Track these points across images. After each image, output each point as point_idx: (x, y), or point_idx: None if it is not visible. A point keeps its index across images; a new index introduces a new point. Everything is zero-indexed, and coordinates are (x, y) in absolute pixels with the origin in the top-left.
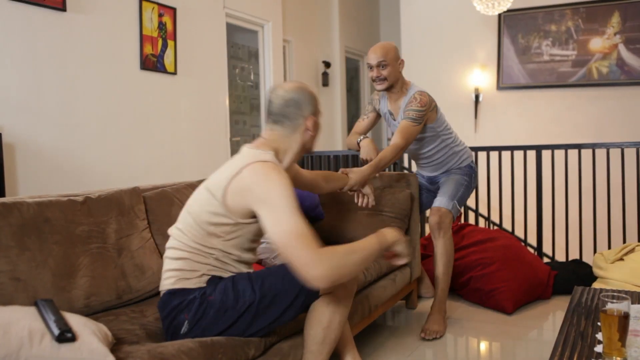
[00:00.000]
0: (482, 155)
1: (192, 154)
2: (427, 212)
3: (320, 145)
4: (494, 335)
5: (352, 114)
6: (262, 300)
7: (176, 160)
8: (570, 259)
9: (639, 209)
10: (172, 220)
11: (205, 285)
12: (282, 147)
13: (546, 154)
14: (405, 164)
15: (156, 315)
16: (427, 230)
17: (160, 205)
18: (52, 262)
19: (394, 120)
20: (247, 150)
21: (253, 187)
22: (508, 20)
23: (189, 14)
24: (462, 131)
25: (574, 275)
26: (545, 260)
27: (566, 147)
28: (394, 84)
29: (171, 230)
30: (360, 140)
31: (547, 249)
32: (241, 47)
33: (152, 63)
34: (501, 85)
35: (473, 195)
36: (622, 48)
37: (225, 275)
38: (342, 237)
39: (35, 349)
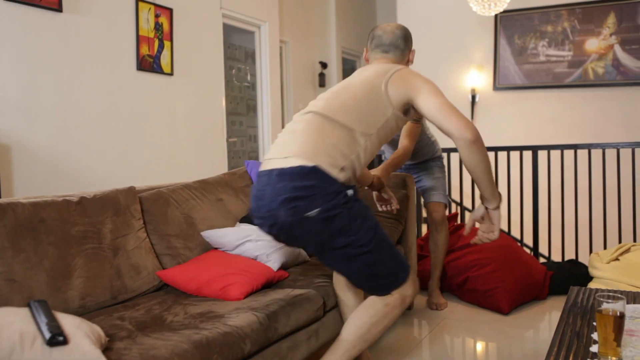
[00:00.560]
0: None
1: (189, 154)
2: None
3: None
4: (491, 336)
5: None
6: (374, 250)
7: (173, 161)
8: (566, 259)
9: (635, 209)
10: (168, 220)
11: (343, 184)
12: None
13: (542, 155)
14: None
15: (147, 307)
16: (424, 230)
17: (156, 206)
18: (47, 263)
19: None
20: (383, 64)
21: (410, 77)
22: (504, 21)
23: (185, 15)
24: None
25: (570, 276)
26: (542, 260)
27: (562, 147)
28: None
29: (314, 111)
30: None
31: (543, 249)
32: (238, 48)
33: (148, 64)
34: (497, 86)
35: (469, 195)
36: (617, 49)
37: (353, 180)
38: None
39: (27, 353)
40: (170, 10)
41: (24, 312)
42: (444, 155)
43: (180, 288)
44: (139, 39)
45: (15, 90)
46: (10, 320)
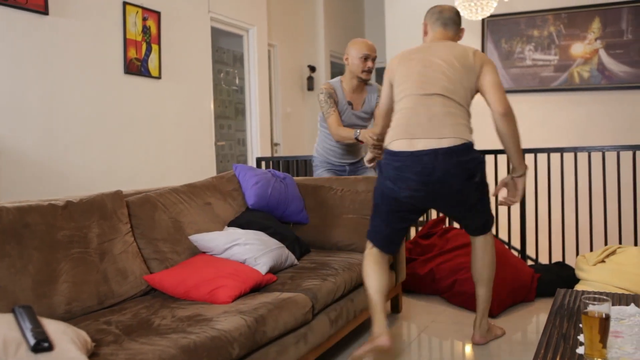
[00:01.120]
0: None
1: (177, 158)
2: None
3: (306, 150)
4: None
5: None
6: (488, 201)
7: (161, 165)
8: (553, 261)
9: (620, 212)
10: (155, 224)
11: (479, 153)
12: None
13: (529, 158)
14: None
15: (134, 311)
16: (413, 233)
17: (144, 210)
18: (32, 268)
19: (352, 109)
20: (451, 44)
21: (486, 59)
22: (491, 26)
23: (173, 18)
24: None
25: (557, 278)
26: (529, 262)
27: (548, 150)
28: None
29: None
30: (359, 134)
31: (530, 251)
32: (226, 52)
33: (136, 67)
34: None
35: None
36: (602, 53)
37: None
38: (327, 241)
39: None
40: (158, 14)
41: (8, 318)
42: None
43: (167, 292)
44: (126, 42)
45: (1, 94)
46: None
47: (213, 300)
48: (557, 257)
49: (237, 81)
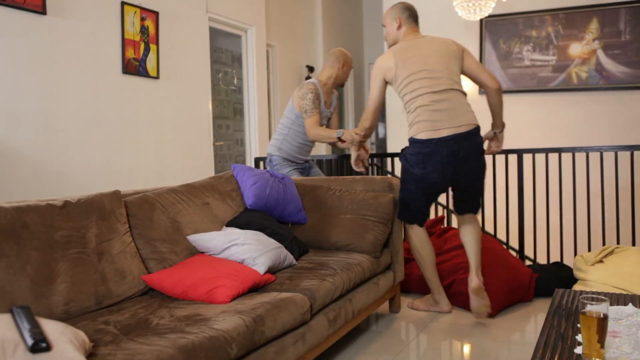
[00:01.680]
0: None
1: (176, 158)
2: None
3: None
4: (477, 338)
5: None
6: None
7: (159, 165)
8: (551, 261)
9: (618, 212)
10: (154, 224)
11: None
12: None
13: (527, 158)
14: (389, 169)
15: (132, 311)
16: None
17: (142, 210)
18: (30, 268)
19: (327, 108)
20: (435, 37)
21: (462, 46)
22: (489, 26)
23: (171, 18)
24: None
25: (555, 278)
26: (527, 263)
27: (547, 151)
28: None
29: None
30: (342, 134)
31: (528, 251)
32: (224, 52)
33: (134, 67)
34: (483, 90)
35: None
36: (600, 54)
37: None
38: (325, 242)
39: None
40: (156, 14)
41: (6, 318)
42: None
43: (166, 292)
44: (124, 42)
45: None
46: None
47: (211, 300)
48: (555, 257)
49: (235, 81)
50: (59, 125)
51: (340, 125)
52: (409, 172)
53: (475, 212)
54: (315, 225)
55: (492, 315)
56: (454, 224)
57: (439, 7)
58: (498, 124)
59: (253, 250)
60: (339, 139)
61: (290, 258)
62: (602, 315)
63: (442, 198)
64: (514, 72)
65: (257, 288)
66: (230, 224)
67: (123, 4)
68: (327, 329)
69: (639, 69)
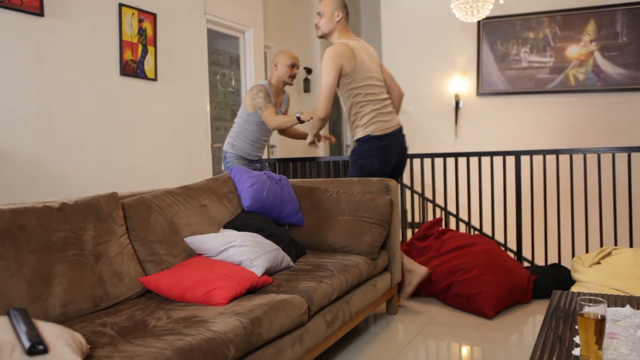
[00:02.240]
0: (462, 161)
1: (173, 160)
2: None
3: (302, 152)
4: (475, 340)
5: (334, 120)
6: None
7: (156, 167)
8: (549, 263)
9: (616, 213)
10: (151, 226)
11: None
12: None
13: (525, 160)
14: None
15: (129, 313)
16: (409, 235)
17: (139, 212)
18: (27, 270)
19: (277, 108)
20: (365, 43)
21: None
22: (487, 27)
23: (169, 20)
24: (443, 137)
25: (553, 279)
26: (525, 264)
27: (544, 152)
28: None
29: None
30: (301, 115)
31: (526, 253)
32: (222, 53)
33: (132, 69)
34: (481, 92)
35: (454, 200)
36: (597, 55)
37: None
38: (322, 243)
39: None
40: (154, 16)
41: (3, 320)
42: (427, 159)
43: (163, 294)
44: (122, 44)
45: None
46: None
47: (209, 302)
48: (553, 259)
49: (233, 83)
50: (56, 127)
51: (338, 128)
52: (362, 167)
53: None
54: (313, 227)
55: (490, 317)
56: (452, 225)
57: (436, 8)
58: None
59: (250, 252)
60: (298, 118)
61: (287, 260)
62: (599, 317)
63: (440, 200)
64: (512, 74)
65: (254, 290)
66: (228, 225)
67: (121, 5)
68: (325, 330)
69: (636, 71)
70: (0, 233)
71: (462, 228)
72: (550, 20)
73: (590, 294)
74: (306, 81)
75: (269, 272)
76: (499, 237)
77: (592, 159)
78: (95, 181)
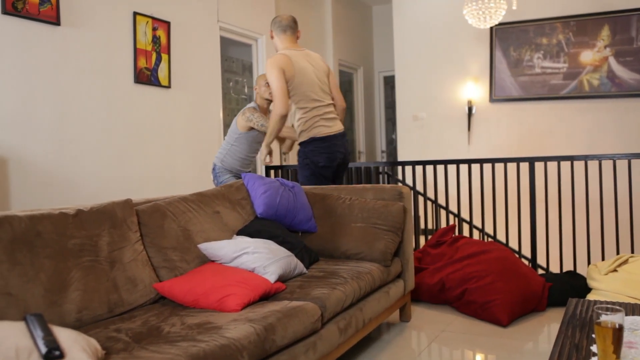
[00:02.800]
0: (475, 167)
1: (187, 167)
2: None
3: None
4: (489, 348)
5: (347, 127)
6: None
7: (170, 174)
8: (564, 270)
9: (632, 220)
10: (165, 233)
11: None
12: None
13: (539, 166)
14: (399, 176)
15: (143, 319)
16: (422, 242)
17: (153, 218)
18: (43, 276)
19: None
20: (313, 53)
21: (327, 64)
22: (500, 34)
23: (183, 28)
24: (456, 143)
25: (569, 287)
26: (540, 271)
27: (559, 159)
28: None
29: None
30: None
31: (541, 260)
32: (235, 61)
33: (146, 76)
34: (494, 98)
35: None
36: (612, 61)
37: None
38: (335, 250)
39: None
40: (168, 24)
41: (20, 326)
42: (441, 166)
43: (177, 300)
44: (136, 52)
45: (13, 103)
46: (5, 334)
47: (222, 308)
48: (568, 266)
49: (246, 90)
50: (71, 134)
51: (350, 134)
52: (309, 170)
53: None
54: (326, 233)
55: (505, 324)
56: (465, 232)
57: (448, 15)
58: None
59: (263, 258)
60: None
61: (300, 266)
62: (617, 326)
63: (453, 207)
64: (525, 80)
65: (267, 296)
66: (241, 232)
67: (135, 14)
68: (338, 337)
69: None
70: (17, 239)
71: (476, 235)
72: (564, 25)
73: (607, 302)
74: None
75: (282, 279)
76: (513, 244)
77: (607, 165)
78: (109, 187)
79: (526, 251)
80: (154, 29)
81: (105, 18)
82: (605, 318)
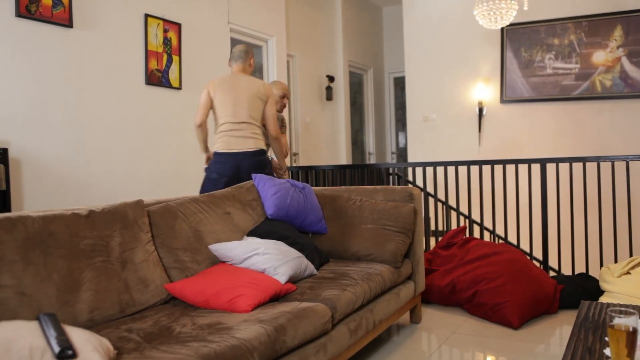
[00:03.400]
0: (486, 169)
1: (197, 168)
2: None
3: (325, 159)
4: (500, 351)
5: (356, 128)
6: None
7: (181, 175)
8: (576, 272)
9: None
10: (176, 234)
11: None
12: None
13: (551, 167)
14: (410, 178)
15: (155, 319)
16: (433, 243)
17: (164, 219)
18: (56, 276)
19: None
20: (252, 78)
21: (270, 93)
22: (511, 34)
23: (193, 30)
24: (466, 144)
25: (581, 289)
26: (552, 274)
27: (571, 160)
28: None
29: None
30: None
31: (553, 262)
32: None
33: (157, 78)
34: (505, 99)
35: (478, 208)
36: (625, 61)
37: None
38: (345, 251)
39: None
40: (179, 25)
41: (34, 325)
42: (451, 167)
43: (188, 301)
44: (147, 54)
45: (26, 105)
46: (19, 334)
47: (233, 309)
48: (580, 268)
49: None
50: (83, 136)
51: (361, 136)
52: (208, 176)
53: None
54: (336, 235)
55: (516, 327)
56: (476, 233)
57: (459, 16)
58: (282, 164)
59: (274, 259)
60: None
61: (311, 268)
62: (631, 329)
63: (464, 208)
64: (536, 81)
65: (278, 297)
66: (251, 233)
67: (146, 16)
68: (348, 339)
69: None
70: (30, 239)
71: (487, 236)
72: (576, 26)
73: (621, 305)
74: (329, 89)
75: (292, 280)
76: (525, 245)
77: (620, 166)
78: (120, 188)
79: (537, 253)
80: (165, 31)
81: (117, 20)
82: (619, 321)
